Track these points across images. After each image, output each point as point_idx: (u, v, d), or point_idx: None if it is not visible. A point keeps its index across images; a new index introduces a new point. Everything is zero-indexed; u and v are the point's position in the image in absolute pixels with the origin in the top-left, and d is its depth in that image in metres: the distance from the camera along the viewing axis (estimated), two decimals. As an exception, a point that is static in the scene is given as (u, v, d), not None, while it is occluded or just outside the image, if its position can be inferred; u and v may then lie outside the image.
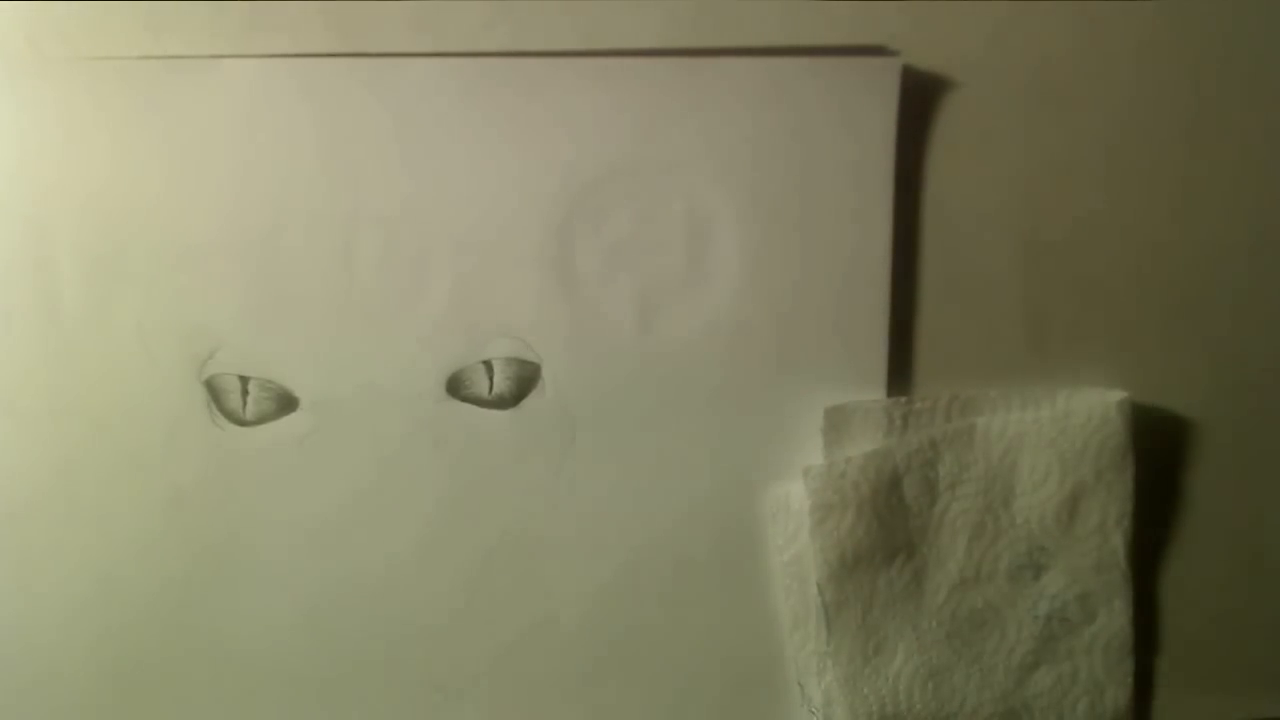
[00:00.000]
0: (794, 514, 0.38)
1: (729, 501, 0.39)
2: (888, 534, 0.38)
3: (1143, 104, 0.39)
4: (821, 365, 0.38)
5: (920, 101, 0.38)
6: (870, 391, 0.38)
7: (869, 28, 0.37)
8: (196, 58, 0.37)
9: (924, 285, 0.39)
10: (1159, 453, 0.40)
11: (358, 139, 0.37)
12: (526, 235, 0.38)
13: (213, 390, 0.38)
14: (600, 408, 0.38)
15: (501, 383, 0.38)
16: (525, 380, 0.38)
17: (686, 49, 0.37)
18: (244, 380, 0.38)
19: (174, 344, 0.38)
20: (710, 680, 0.40)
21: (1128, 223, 0.39)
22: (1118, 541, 0.39)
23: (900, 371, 0.39)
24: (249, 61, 0.37)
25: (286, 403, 0.38)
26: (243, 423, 0.38)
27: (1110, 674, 0.39)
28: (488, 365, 0.38)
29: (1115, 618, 0.39)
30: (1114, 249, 0.39)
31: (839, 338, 0.38)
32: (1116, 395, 0.39)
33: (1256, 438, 0.40)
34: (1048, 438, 0.38)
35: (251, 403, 0.38)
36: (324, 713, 0.40)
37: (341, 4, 0.37)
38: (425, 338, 0.38)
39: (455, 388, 0.38)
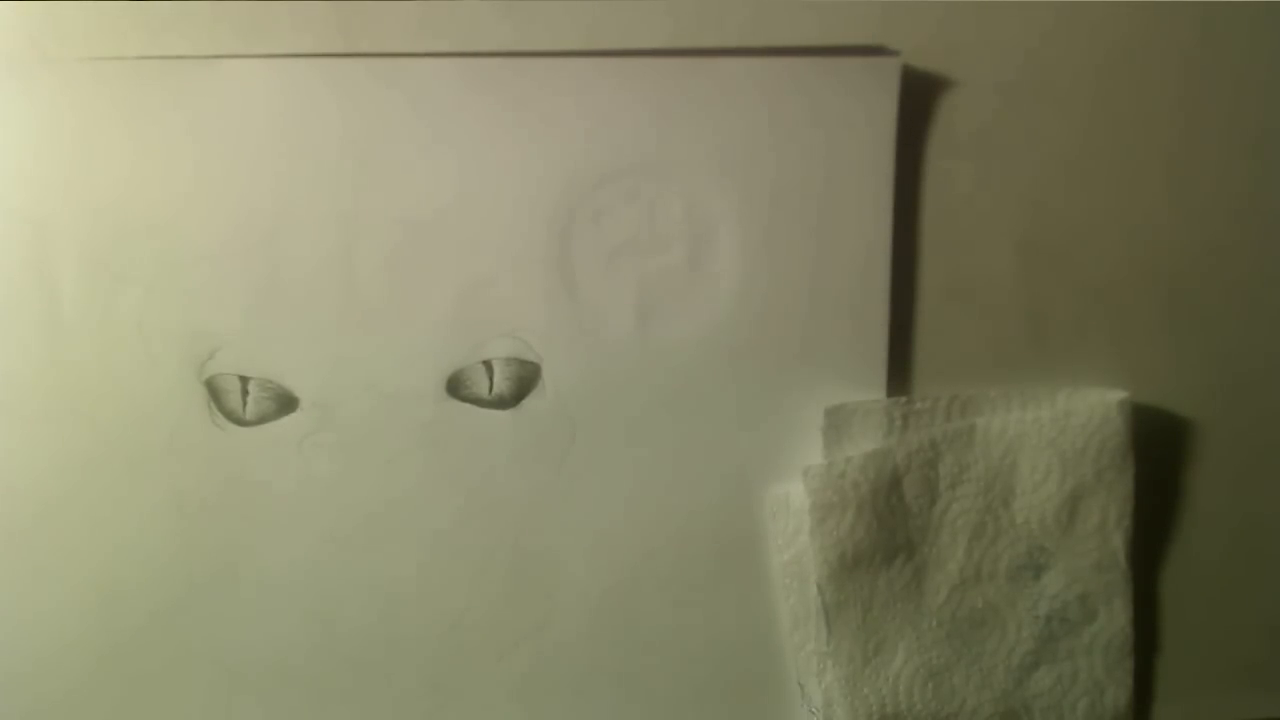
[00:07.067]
0: (794, 514, 0.38)
1: (729, 501, 0.39)
2: (888, 534, 0.38)
3: (1142, 104, 0.39)
4: (821, 365, 0.38)
5: (920, 101, 0.38)
6: (870, 391, 0.38)
7: (869, 28, 0.38)
8: (197, 58, 0.37)
9: (924, 285, 0.39)
10: (1159, 453, 0.40)
11: (358, 139, 0.37)
12: (527, 235, 0.38)
13: (213, 390, 0.38)
14: (600, 408, 0.38)
15: (501, 383, 0.38)
16: (525, 380, 0.38)
17: (687, 49, 0.37)
18: (244, 380, 0.38)
19: (174, 344, 0.38)
20: (711, 680, 0.40)
21: (1128, 223, 0.39)
22: (1118, 541, 0.39)
23: (900, 371, 0.39)
24: (250, 61, 0.37)
25: (286, 403, 0.38)
26: (243, 423, 0.38)
27: (1110, 674, 0.39)
28: (488, 365, 0.38)
29: (1115, 618, 0.39)
30: (1114, 249, 0.39)
31: (839, 338, 0.38)
32: (1116, 395, 0.39)
33: (1256, 438, 0.41)
34: (1048, 438, 0.38)
35: (251, 403, 0.38)
36: (323, 712, 0.40)
37: (342, 3, 0.37)
38: (425, 338, 0.38)
39: (455, 388, 0.38)
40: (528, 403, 0.38)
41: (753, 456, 0.39)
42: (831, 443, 0.38)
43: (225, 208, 0.37)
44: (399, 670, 0.39)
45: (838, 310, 0.38)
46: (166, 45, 0.37)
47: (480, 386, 0.38)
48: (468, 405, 0.38)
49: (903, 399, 0.38)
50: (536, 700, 0.40)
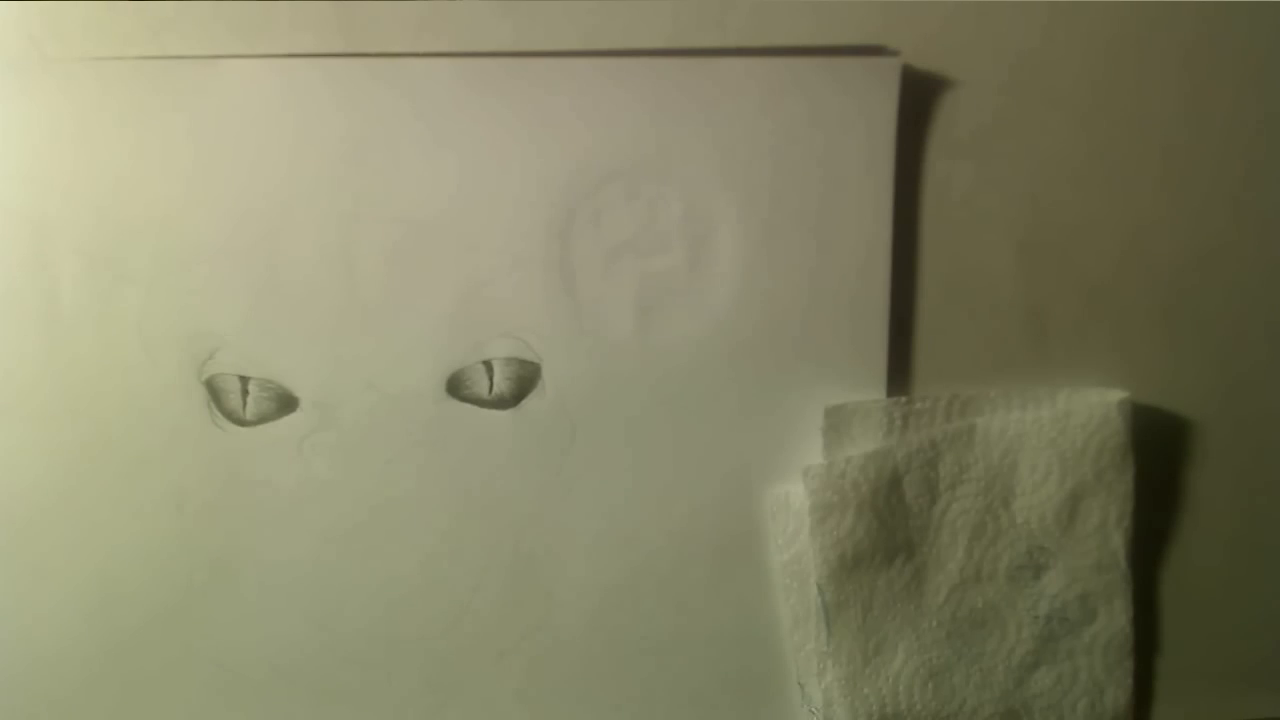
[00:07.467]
0: (794, 514, 0.38)
1: (729, 501, 0.39)
2: (888, 534, 0.38)
3: (1142, 104, 0.39)
4: (821, 365, 0.38)
5: (920, 101, 0.38)
6: (870, 391, 0.38)
7: (869, 28, 0.38)
8: (196, 58, 0.37)
9: (924, 285, 0.39)
10: (1159, 453, 0.40)
11: (358, 139, 0.37)
12: (527, 235, 0.38)
13: (213, 390, 0.38)
14: (600, 408, 0.38)
15: (501, 383, 0.38)
16: (525, 380, 0.38)
17: (687, 49, 0.37)
18: (244, 380, 0.38)
19: (174, 344, 0.38)
20: (710, 680, 0.40)
21: (1128, 223, 0.39)
22: (1118, 541, 0.39)
23: (900, 371, 0.39)
24: (249, 61, 0.37)
25: (286, 403, 0.38)
26: (243, 423, 0.38)
27: (1110, 674, 0.39)
28: (488, 365, 0.38)
29: (1115, 618, 0.39)
30: (1114, 249, 0.39)
31: (839, 337, 0.38)
32: (1116, 395, 0.39)
33: (1256, 438, 0.41)
34: (1048, 438, 0.38)
35: (251, 403, 0.38)
36: (323, 712, 0.40)
37: (342, 3, 0.37)
38: (425, 338, 0.38)
39: (455, 388, 0.38)
40: (528, 403, 0.38)
41: (753, 456, 0.39)
42: (831, 443, 0.38)
43: (225, 208, 0.37)
44: (399, 670, 0.39)
45: (838, 310, 0.38)
46: (166, 45, 0.37)
47: (480, 386, 0.38)
48: (468, 405, 0.38)
49: (903, 399, 0.38)
50: (536, 700, 0.40)
